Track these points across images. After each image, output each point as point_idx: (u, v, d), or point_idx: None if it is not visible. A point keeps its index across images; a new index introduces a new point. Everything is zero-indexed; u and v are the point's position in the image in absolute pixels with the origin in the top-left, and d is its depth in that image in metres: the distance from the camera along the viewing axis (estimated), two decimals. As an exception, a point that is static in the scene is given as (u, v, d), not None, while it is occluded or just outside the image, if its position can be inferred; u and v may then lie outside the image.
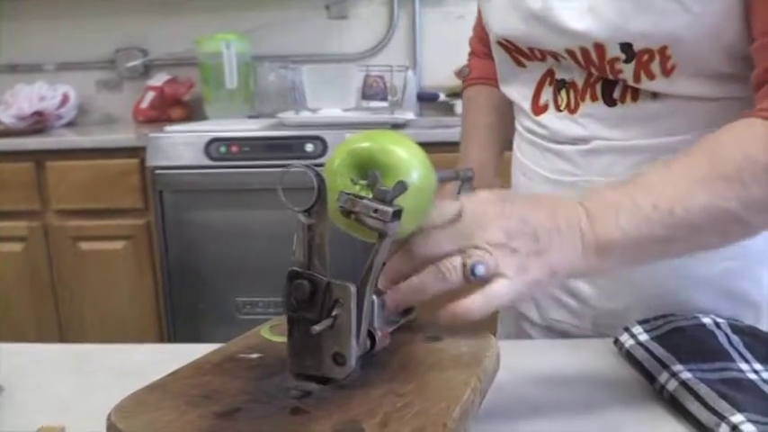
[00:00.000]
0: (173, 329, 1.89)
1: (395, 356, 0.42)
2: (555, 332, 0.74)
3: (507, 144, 0.83)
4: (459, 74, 2.17)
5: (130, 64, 2.39)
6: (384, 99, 2.06)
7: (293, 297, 0.39)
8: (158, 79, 2.32)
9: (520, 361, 0.57)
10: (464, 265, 0.43)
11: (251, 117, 2.20)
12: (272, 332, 0.47)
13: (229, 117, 2.15)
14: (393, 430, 0.34)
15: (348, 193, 0.40)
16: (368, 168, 0.42)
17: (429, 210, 0.45)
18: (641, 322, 0.60)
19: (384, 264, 0.43)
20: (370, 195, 0.40)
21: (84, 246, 1.94)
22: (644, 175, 0.50)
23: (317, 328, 0.38)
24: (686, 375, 0.50)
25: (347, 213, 0.40)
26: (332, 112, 1.91)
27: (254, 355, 0.43)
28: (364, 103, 2.06)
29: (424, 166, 0.45)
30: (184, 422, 0.35)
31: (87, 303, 1.97)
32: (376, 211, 0.39)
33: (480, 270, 0.43)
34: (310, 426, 0.34)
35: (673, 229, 0.47)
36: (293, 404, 0.37)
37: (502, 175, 0.85)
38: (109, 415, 0.36)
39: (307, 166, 0.38)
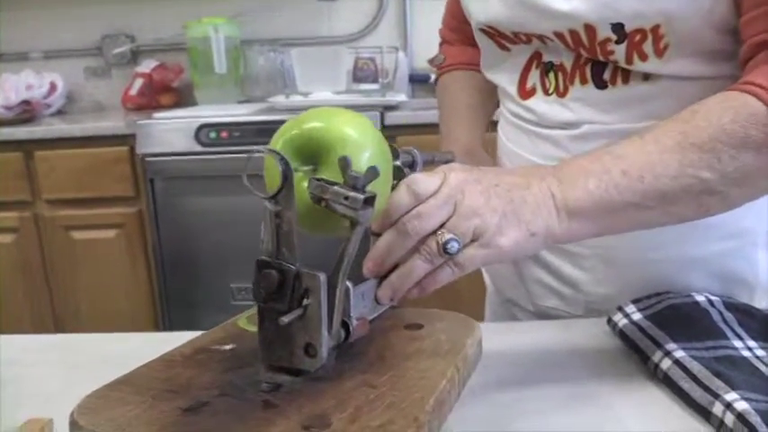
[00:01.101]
0: (168, 317, 1.89)
1: (372, 346, 0.41)
2: (545, 318, 0.73)
3: (488, 125, 0.82)
4: (432, 62, 2.15)
5: (118, 50, 2.36)
6: (375, 81, 2.05)
7: (262, 287, 0.38)
8: (147, 65, 2.29)
9: (511, 342, 0.57)
10: (437, 243, 0.43)
11: (241, 102, 2.18)
12: (250, 322, 0.46)
13: (219, 102, 2.13)
14: (362, 425, 0.33)
15: (318, 179, 0.39)
16: (313, 151, 0.40)
17: (386, 193, 0.43)
18: (635, 301, 0.59)
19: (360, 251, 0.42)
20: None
21: (77, 235, 1.93)
22: (617, 145, 0.50)
23: (285, 319, 0.37)
24: (680, 354, 0.50)
25: (317, 200, 0.39)
26: (323, 95, 1.90)
27: (228, 346, 0.42)
28: (355, 86, 2.04)
29: (378, 146, 0.43)
30: (148, 418, 0.34)
31: (81, 292, 1.96)
32: (347, 198, 0.38)
33: (453, 247, 0.43)
34: (277, 421, 0.33)
35: (642, 197, 0.48)
36: (263, 398, 0.36)
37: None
38: (72, 412, 0.35)
39: (271, 150, 0.37)
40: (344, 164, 0.39)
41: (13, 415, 0.45)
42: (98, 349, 0.60)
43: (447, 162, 0.51)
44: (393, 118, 1.78)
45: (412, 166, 0.49)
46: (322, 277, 0.37)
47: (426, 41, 2.28)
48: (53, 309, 1.99)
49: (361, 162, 0.40)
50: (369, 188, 0.39)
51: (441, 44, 0.90)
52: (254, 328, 0.44)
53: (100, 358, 0.57)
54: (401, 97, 1.96)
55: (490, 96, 0.80)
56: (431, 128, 1.78)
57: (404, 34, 2.31)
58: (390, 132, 1.78)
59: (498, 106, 0.79)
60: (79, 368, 0.55)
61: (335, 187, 0.38)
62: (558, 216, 0.47)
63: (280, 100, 1.91)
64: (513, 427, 0.44)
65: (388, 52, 2.01)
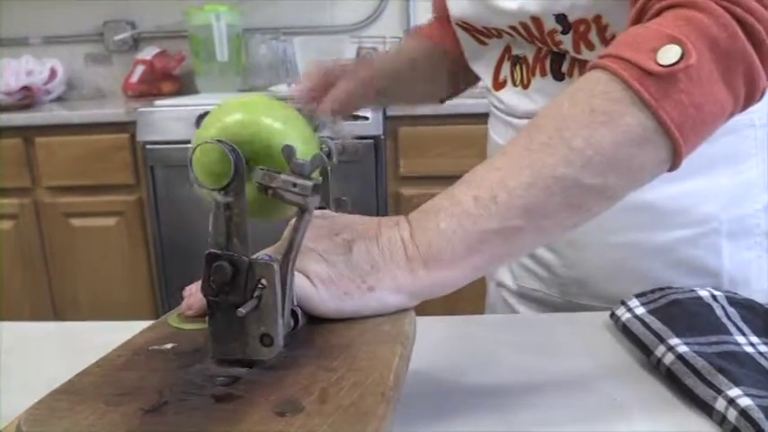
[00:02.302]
0: (167, 305, 1.89)
1: (316, 334, 0.40)
2: (528, 299, 0.75)
3: (404, 90, 0.83)
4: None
5: (119, 37, 2.35)
6: (377, 71, 2.03)
7: (213, 280, 0.37)
8: (148, 53, 2.28)
9: (513, 334, 0.57)
10: None
11: (242, 90, 2.17)
12: (181, 320, 0.44)
13: (221, 91, 2.12)
14: (334, 404, 0.32)
15: (264, 169, 0.39)
16: (239, 144, 0.39)
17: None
18: (638, 295, 0.59)
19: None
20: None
21: (76, 222, 1.93)
22: (473, 169, 0.44)
23: (243, 310, 0.36)
24: (683, 349, 0.50)
25: (264, 189, 0.38)
26: (324, 84, 1.89)
27: (168, 346, 0.40)
28: (357, 76, 2.03)
29: (302, 135, 0.43)
30: (109, 423, 0.32)
31: (80, 280, 1.96)
32: (295, 185, 0.38)
33: None
34: (248, 410, 0.33)
35: (502, 219, 0.41)
36: (224, 391, 0.35)
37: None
38: (18, 425, 0.33)
39: (219, 141, 0.37)
40: (289, 152, 0.38)
41: (11, 404, 0.44)
42: (99, 338, 0.59)
43: (354, 149, 0.50)
44: (394, 109, 1.78)
45: (329, 156, 0.48)
46: (276, 266, 0.37)
47: (429, 32, 2.27)
48: (52, 296, 1.99)
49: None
50: (314, 175, 0.39)
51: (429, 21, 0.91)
52: (187, 326, 0.43)
53: (101, 347, 0.57)
54: (403, 88, 1.95)
55: (431, 64, 0.81)
56: (431, 119, 1.79)
57: (407, 24, 2.30)
58: (391, 124, 1.78)
59: (451, 85, 0.84)
60: (80, 357, 0.55)
61: (283, 176, 0.38)
62: (409, 266, 0.41)
63: (281, 89, 1.90)
64: (515, 420, 0.44)
65: (391, 42, 2.00)
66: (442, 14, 0.84)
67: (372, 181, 1.78)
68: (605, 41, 0.57)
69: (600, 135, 0.41)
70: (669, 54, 0.40)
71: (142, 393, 0.35)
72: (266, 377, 0.36)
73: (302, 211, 0.39)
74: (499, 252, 0.43)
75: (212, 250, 0.37)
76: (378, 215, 0.45)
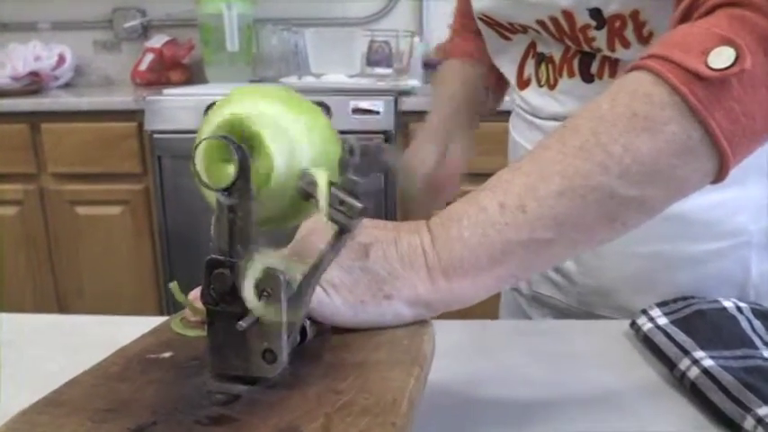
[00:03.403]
0: (171, 297, 1.87)
1: (326, 349, 0.37)
2: (542, 304, 0.73)
3: (472, 113, 0.79)
4: (438, 50, 2.10)
5: (128, 24, 2.33)
6: (389, 65, 2.01)
7: (213, 289, 0.34)
8: (157, 41, 2.26)
9: (528, 342, 0.55)
10: None
11: (252, 81, 2.15)
12: (184, 325, 0.41)
13: (230, 81, 2.10)
14: None
15: (309, 172, 0.35)
16: (244, 139, 0.34)
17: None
18: (659, 305, 0.57)
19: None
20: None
21: (81, 210, 1.91)
22: (499, 174, 0.41)
23: (243, 324, 0.33)
24: (708, 363, 0.48)
25: (306, 196, 0.35)
26: (336, 77, 1.87)
27: (166, 354, 0.38)
28: (369, 69, 2.01)
29: (323, 136, 0.37)
30: None
31: (85, 269, 1.95)
32: (342, 203, 0.34)
33: None
34: None
35: (530, 230, 0.38)
36: (220, 411, 0.32)
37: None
38: None
39: (225, 137, 0.33)
40: (346, 163, 0.35)
41: (10, 400, 0.43)
42: (102, 332, 0.58)
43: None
44: (407, 104, 1.76)
45: (351, 153, 0.44)
46: (282, 276, 0.34)
47: (442, 27, 2.24)
48: (55, 283, 1.98)
49: (303, 156, 0.35)
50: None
51: (450, 31, 0.89)
52: (189, 333, 0.40)
53: (104, 342, 0.55)
54: (415, 82, 1.92)
55: (474, 87, 0.78)
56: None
57: (419, 19, 2.27)
58: (404, 118, 1.76)
59: (493, 95, 0.80)
60: (82, 352, 0.53)
61: (332, 188, 0.34)
62: (429, 275, 0.38)
63: (292, 81, 1.87)
64: (531, 431, 0.42)
65: (403, 36, 1.98)
66: (463, 9, 0.81)
67: (382, 176, 1.76)
68: (642, 39, 0.54)
69: (640, 142, 0.37)
70: (722, 57, 0.37)
71: (132, 409, 0.32)
72: (268, 397, 0.33)
73: (343, 232, 0.35)
74: (525, 264, 0.40)
75: (214, 256, 0.34)
76: (387, 211, 0.42)
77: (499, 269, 0.39)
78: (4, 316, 0.62)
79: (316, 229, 0.41)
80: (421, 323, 0.40)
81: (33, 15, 2.35)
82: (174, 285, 0.42)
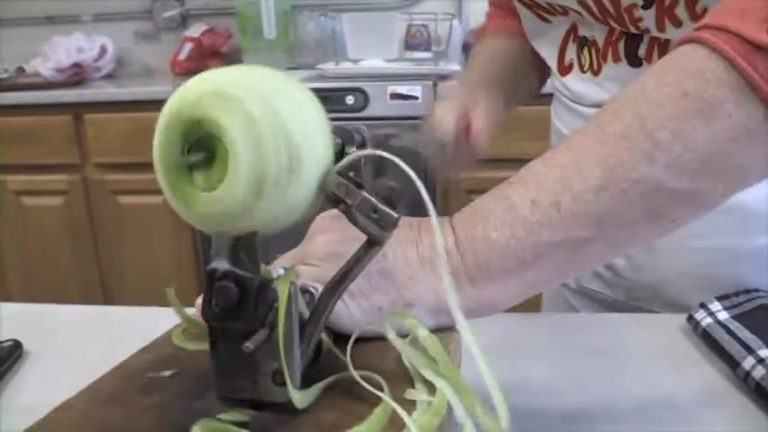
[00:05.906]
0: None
1: (344, 366, 0.32)
2: (590, 298, 0.70)
3: (512, 94, 0.74)
4: (475, 35, 2.04)
5: (167, 14, 2.35)
6: (428, 49, 1.98)
7: (216, 303, 0.30)
8: (196, 30, 2.27)
9: (576, 336, 0.52)
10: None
11: (290, 68, 2.14)
12: (186, 337, 0.37)
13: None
14: None
15: (344, 175, 0.30)
16: (206, 133, 0.29)
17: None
18: (720, 298, 0.53)
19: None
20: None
21: (124, 200, 1.94)
22: (530, 164, 0.37)
23: (250, 345, 0.29)
24: (775, 362, 0.44)
25: (335, 202, 0.30)
26: (374, 62, 1.84)
27: (167, 373, 0.34)
28: (407, 54, 1.97)
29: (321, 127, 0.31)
30: None
31: (128, 258, 1.98)
32: (376, 211, 0.30)
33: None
34: None
35: (567, 230, 0.34)
36: None
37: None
38: None
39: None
40: (380, 169, 0.32)
41: (49, 391, 0.42)
42: (140, 324, 0.57)
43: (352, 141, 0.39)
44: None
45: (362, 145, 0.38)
46: (293, 288, 0.30)
47: (481, 9, 2.19)
48: (101, 273, 2.02)
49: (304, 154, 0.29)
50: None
51: (487, 14, 0.85)
52: (191, 346, 0.36)
53: (143, 334, 0.54)
54: (454, 66, 1.88)
55: (513, 58, 0.73)
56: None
57: (458, 1, 2.22)
58: (442, 103, 1.72)
59: (537, 73, 0.75)
60: (120, 343, 0.52)
61: (364, 193, 0.30)
62: (457, 282, 0.35)
63: (329, 67, 1.86)
64: (586, 438, 0.39)
65: (442, 19, 1.93)
66: None
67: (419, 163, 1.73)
68: (695, 17, 0.49)
69: (692, 127, 0.33)
70: None
71: None
72: (279, 424, 0.29)
73: (372, 243, 0.31)
74: (560, 267, 0.36)
75: (215, 266, 0.30)
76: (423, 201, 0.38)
77: (530, 273, 0.36)
78: (41, 307, 0.62)
79: (323, 227, 0.39)
80: (445, 331, 0.36)
81: (77, 8, 2.39)
82: (170, 292, 0.37)
